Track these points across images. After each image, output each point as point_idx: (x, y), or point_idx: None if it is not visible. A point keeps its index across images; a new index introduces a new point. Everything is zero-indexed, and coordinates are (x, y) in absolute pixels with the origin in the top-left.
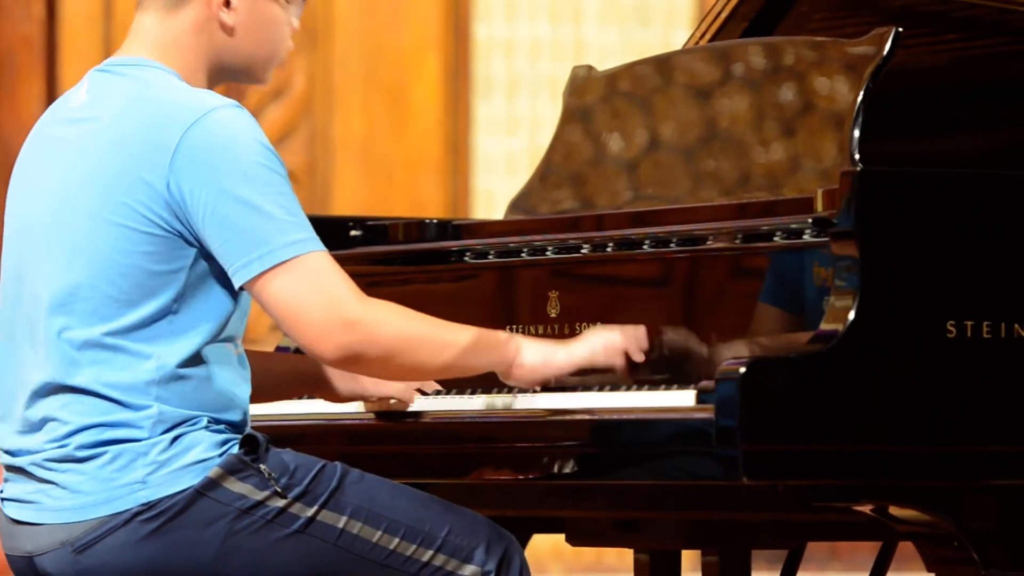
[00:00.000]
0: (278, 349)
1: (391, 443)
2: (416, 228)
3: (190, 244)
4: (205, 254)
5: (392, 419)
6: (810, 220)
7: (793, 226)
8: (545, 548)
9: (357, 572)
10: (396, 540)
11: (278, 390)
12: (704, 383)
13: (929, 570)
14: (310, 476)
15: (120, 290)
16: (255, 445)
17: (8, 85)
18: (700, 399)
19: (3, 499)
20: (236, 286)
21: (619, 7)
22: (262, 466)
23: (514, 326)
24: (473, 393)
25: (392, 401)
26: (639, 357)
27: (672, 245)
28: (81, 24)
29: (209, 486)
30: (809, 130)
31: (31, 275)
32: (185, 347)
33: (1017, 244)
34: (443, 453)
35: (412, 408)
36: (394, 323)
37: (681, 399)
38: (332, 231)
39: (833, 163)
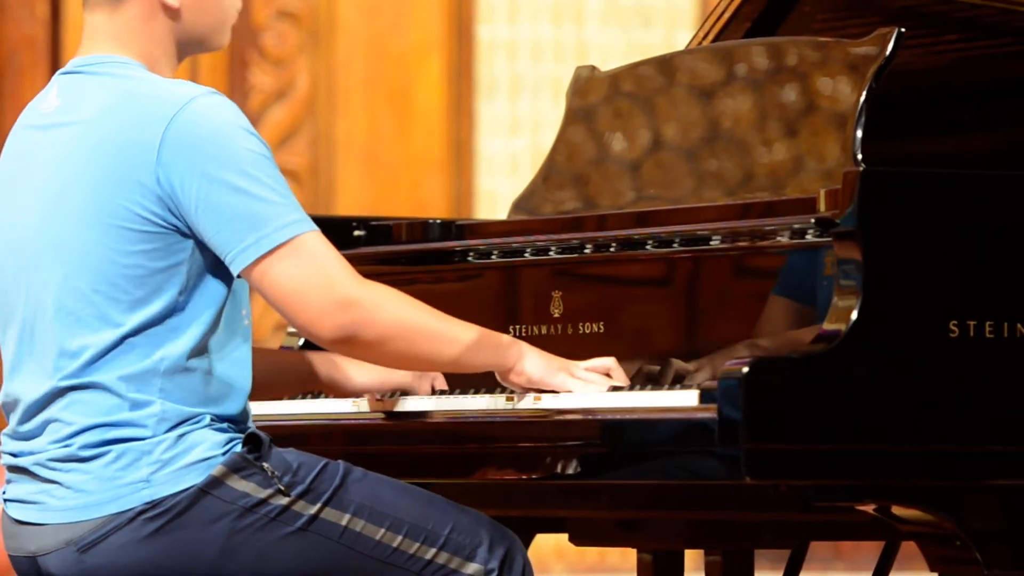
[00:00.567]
0: (283, 348)
1: (395, 443)
2: (419, 228)
3: (186, 236)
4: (203, 245)
5: (396, 419)
6: (813, 220)
7: (796, 226)
8: (548, 548)
9: (360, 570)
10: (399, 538)
11: (284, 388)
12: (707, 383)
13: (932, 570)
14: (313, 474)
15: (124, 291)
16: (258, 444)
17: (12, 85)
18: (703, 399)
19: (6, 500)
20: (235, 273)
21: (621, 8)
22: (265, 464)
23: (517, 326)
24: (476, 393)
25: (396, 395)
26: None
27: (675, 245)
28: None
29: (213, 484)
30: (812, 130)
31: (29, 283)
32: (191, 337)
33: (1019, 244)
34: (446, 453)
35: (414, 408)
36: (394, 307)
37: (684, 399)
38: (336, 231)
39: (836, 163)
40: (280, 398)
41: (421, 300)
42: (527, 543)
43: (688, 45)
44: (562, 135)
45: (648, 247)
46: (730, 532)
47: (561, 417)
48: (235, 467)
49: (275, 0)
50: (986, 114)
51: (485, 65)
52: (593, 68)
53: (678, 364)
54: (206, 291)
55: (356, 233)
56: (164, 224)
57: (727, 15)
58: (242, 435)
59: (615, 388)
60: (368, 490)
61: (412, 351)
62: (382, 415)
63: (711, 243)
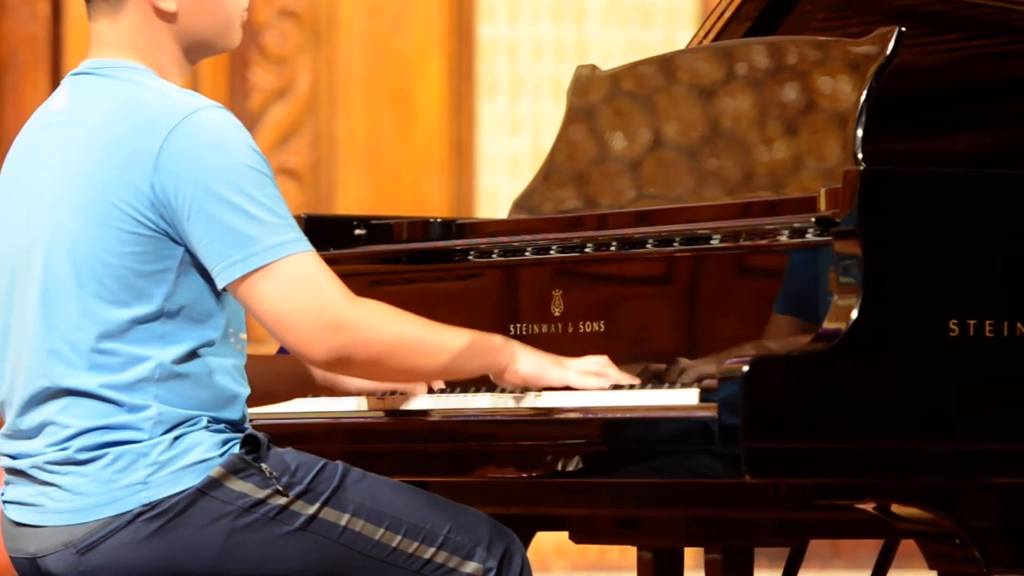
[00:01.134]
0: (281, 352)
1: (395, 441)
2: (420, 227)
3: (176, 243)
4: (192, 253)
5: (396, 417)
6: (813, 219)
7: (796, 225)
8: (549, 546)
9: (359, 569)
10: (398, 538)
11: (283, 392)
12: (707, 381)
13: (931, 568)
14: (311, 475)
15: (110, 291)
16: (256, 444)
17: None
18: (703, 397)
19: (4, 502)
20: (219, 287)
21: (622, 7)
22: (263, 465)
23: (517, 325)
24: (477, 391)
25: (396, 393)
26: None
27: (675, 244)
28: (86, 23)
29: (211, 485)
30: (812, 129)
31: (24, 281)
32: (182, 345)
33: (1019, 243)
34: (447, 451)
35: (416, 406)
36: (385, 326)
37: (684, 397)
38: (336, 230)
39: (836, 162)
40: (280, 402)
41: (421, 299)
42: (527, 541)
43: (688, 44)
44: (563, 134)
45: (648, 246)
46: (730, 530)
47: (561, 415)
48: (233, 468)
49: None
50: (986, 113)
51: (486, 64)
52: (593, 67)
53: (684, 363)
54: (200, 299)
55: (357, 232)
56: (154, 228)
57: (727, 14)
58: (240, 436)
59: (616, 386)
60: (367, 490)
61: (406, 366)
62: (383, 414)
63: (711, 242)
